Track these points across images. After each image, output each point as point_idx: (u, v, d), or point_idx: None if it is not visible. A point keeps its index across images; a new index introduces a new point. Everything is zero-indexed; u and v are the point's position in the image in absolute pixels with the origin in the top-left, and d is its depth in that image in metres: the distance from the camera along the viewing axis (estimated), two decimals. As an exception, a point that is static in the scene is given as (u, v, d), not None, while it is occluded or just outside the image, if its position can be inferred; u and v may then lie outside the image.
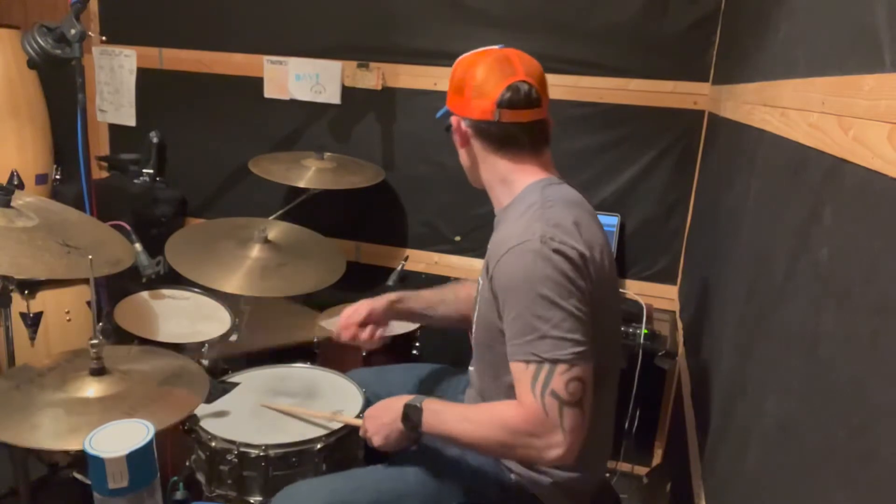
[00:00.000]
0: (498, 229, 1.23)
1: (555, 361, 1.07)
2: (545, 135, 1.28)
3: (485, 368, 1.30)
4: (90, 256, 1.25)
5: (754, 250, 1.14)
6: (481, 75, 1.21)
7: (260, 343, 1.68)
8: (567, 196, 1.22)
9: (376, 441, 1.27)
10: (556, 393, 1.08)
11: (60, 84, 2.02)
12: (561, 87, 2.25)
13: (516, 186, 1.25)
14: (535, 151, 1.26)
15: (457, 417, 1.19)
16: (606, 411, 1.29)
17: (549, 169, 1.27)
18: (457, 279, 2.56)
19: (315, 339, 1.58)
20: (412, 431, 1.22)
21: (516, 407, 1.12)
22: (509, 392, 1.19)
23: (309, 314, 1.70)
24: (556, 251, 1.09)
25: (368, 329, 1.48)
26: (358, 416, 1.45)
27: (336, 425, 1.42)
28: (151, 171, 2.75)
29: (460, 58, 1.29)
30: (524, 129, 1.23)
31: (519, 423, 1.11)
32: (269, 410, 1.49)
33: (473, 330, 1.30)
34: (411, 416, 1.21)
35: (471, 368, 1.38)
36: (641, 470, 2.30)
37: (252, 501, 1.36)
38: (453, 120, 1.28)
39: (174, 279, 2.03)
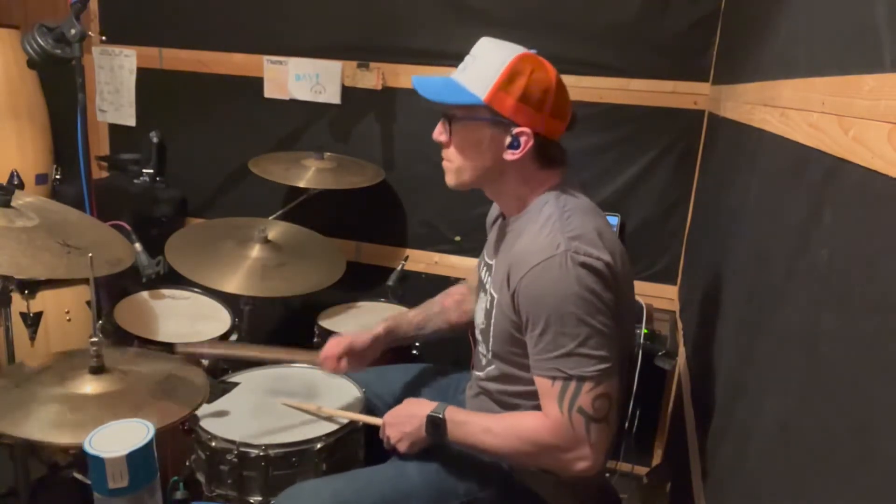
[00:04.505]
0: (516, 241, 1.19)
1: (581, 379, 1.08)
2: None
3: (500, 376, 1.28)
4: (90, 254, 1.25)
5: (754, 250, 1.14)
6: (560, 95, 1.20)
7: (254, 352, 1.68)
8: (582, 204, 1.21)
9: (402, 448, 1.29)
10: (583, 409, 1.09)
11: (60, 84, 2.02)
12: (561, 87, 2.25)
13: (533, 195, 1.24)
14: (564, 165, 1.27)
15: (481, 429, 1.20)
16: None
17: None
18: (457, 279, 2.56)
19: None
20: (437, 440, 1.24)
21: (542, 420, 1.13)
22: (527, 398, 1.19)
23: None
24: (583, 265, 1.08)
25: (344, 362, 1.48)
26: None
27: (343, 422, 1.42)
28: (151, 171, 2.75)
29: (524, 56, 1.18)
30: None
31: (545, 437, 1.12)
32: (268, 410, 1.49)
33: (490, 341, 1.27)
34: (435, 427, 1.22)
35: (478, 374, 1.35)
36: (641, 470, 2.30)
37: (252, 501, 1.36)
38: (521, 132, 1.17)
39: (174, 279, 2.03)
